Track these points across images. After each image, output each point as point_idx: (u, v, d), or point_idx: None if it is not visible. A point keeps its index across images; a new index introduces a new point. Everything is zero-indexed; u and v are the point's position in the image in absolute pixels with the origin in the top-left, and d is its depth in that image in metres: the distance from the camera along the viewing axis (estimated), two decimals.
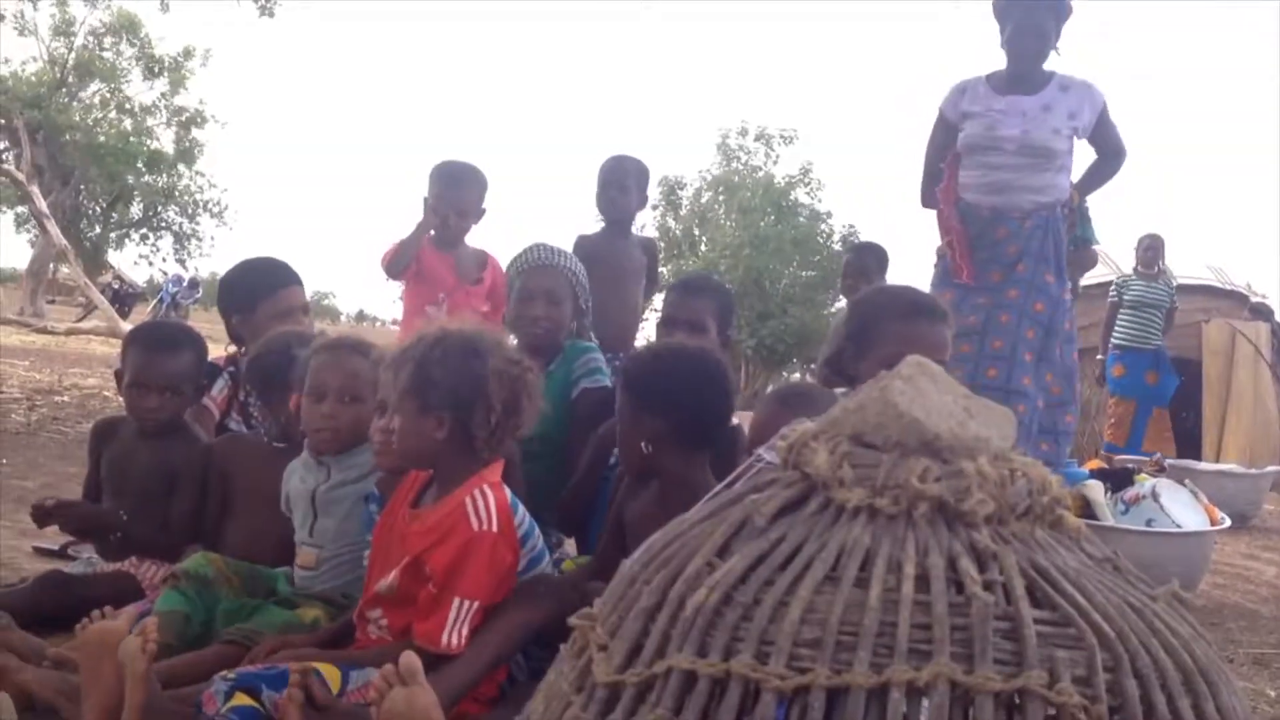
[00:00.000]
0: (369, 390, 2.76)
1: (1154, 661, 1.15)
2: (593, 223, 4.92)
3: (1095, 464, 6.46)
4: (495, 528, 2.37)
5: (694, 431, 2.67)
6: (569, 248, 3.98)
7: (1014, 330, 4.44)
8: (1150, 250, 9.58)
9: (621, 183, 4.83)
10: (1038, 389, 4.44)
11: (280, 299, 3.80)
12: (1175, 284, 9.87)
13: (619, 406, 2.77)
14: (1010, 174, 4.55)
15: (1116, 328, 9.51)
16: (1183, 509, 4.99)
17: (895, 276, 6.16)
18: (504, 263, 4.65)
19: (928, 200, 4.83)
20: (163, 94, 29.25)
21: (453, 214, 4.57)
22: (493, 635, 2.35)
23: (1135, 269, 9.65)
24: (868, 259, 6.07)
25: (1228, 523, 5.21)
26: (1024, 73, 4.60)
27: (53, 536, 3.76)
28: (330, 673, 2.24)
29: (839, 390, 2.79)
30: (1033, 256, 4.51)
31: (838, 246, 25.21)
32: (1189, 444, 10.71)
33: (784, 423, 2.38)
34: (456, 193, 4.59)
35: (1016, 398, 4.29)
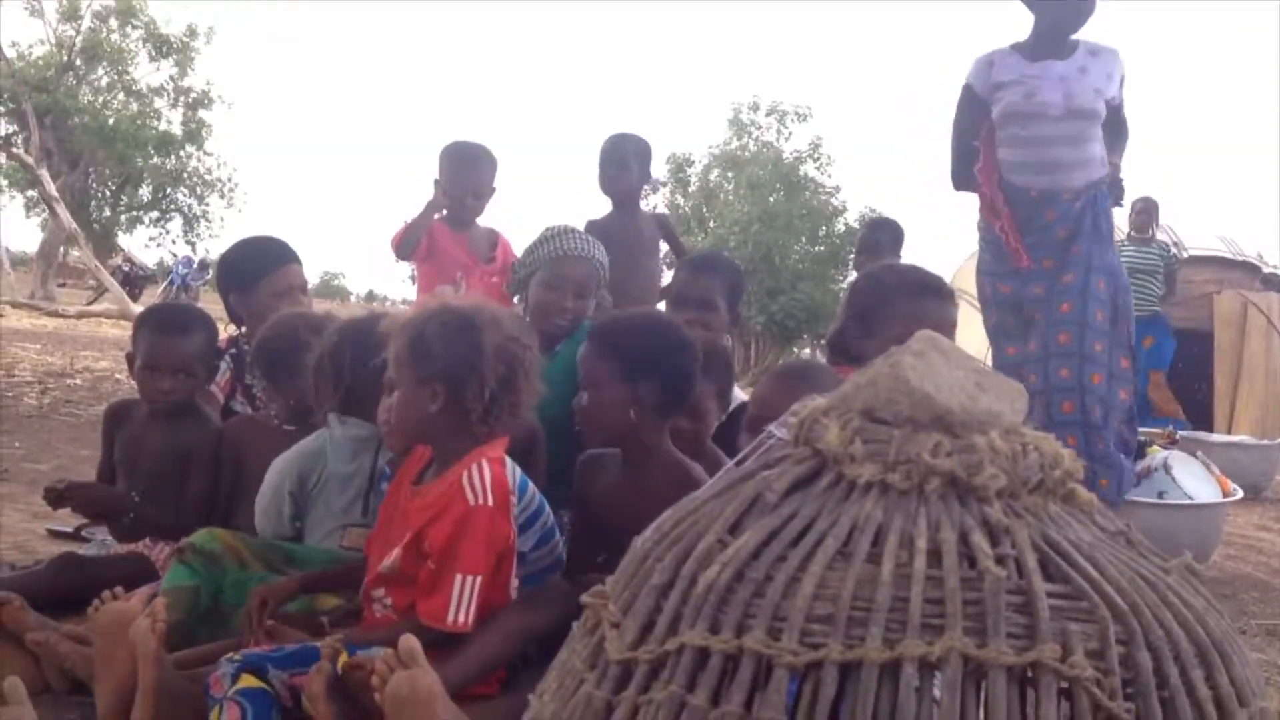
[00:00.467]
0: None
1: (1167, 634, 1.15)
2: (602, 204, 4.94)
3: None
4: (490, 501, 2.36)
5: (673, 396, 2.68)
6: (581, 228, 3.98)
7: (1079, 319, 4.29)
8: (1143, 214, 9.42)
9: (622, 160, 4.84)
10: (1112, 380, 4.30)
11: (279, 277, 3.81)
12: (1173, 249, 9.71)
13: (593, 377, 2.71)
14: (1059, 149, 4.38)
15: None
16: (1195, 481, 4.99)
17: (908, 255, 6.12)
18: (512, 241, 4.69)
19: (962, 182, 4.66)
20: (171, 76, 29.22)
21: (469, 195, 4.59)
22: (493, 636, 2.33)
23: (1128, 234, 9.43)
24: (881, 235, 6.03)
25: (1240, 494, 5.21)
26: (1060, 36, 4.43)
27: (66, 519, 3.78)
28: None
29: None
30: (1085, 236, 4.35)
31: (851, 223, 25.15)
32: (1201, 415, 10.68)
33: (785, 398, 2.41)
34: (472, 173, 4.62)
35: (1091, 398, 4.21)
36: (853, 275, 24.67)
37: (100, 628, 2.24)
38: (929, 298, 2.95)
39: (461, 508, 2.35)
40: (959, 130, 4.65)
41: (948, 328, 2.88)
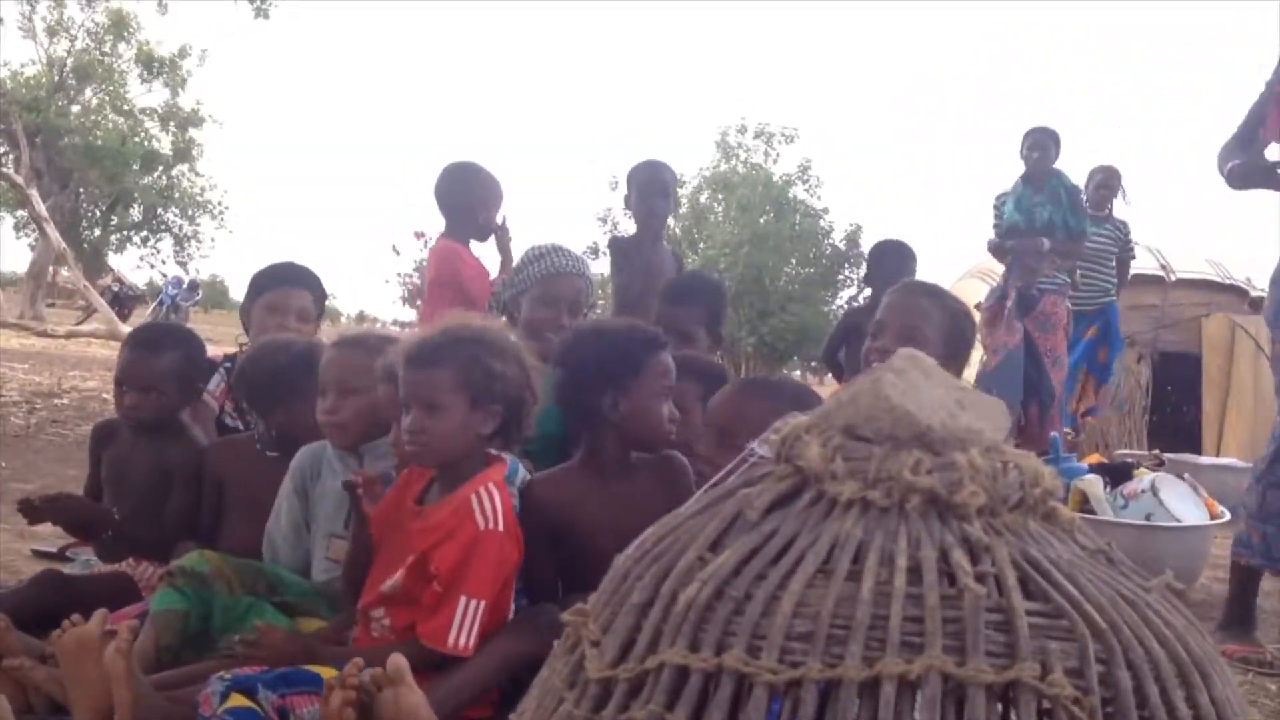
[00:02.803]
0: (364, 381, 2.78)
1: (1147, 653, 1.15)
2: (593, 221, 4.98)
3: (1095, 459, 6.46)
4: (500, 526, 2.37)
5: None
6: (571, 244, 4.00)
7: None
8: (1103, 188, 7.88)
9: (664, 189, 4.79)
10: None
11: (275, 295, 3.86)
12: (1130, 230, 8.12)
13: (569, 392, 2.75)
14: None
15: None
16: (1182, 503, 4.99)
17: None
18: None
19: (1248, 177, 4.02)
20: (164, 101, 29.26)
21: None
22: (486, 661, 2.33)
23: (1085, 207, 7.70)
24: (889, 259, 5.80)
25: (1228, 517, 5.21)
26: None
27: (51, 538, 3.77)
28: (326, 671, 2.24)
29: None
30: None
31: (838, 244, 25.22)
32: (1189, 439, 10.70)
33: (745, 410, 2.42)
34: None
35: None
36: (842, 297, 24.76)
37: (64, 654, 2.23)
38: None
39: (471, 531, 2.35)
40: (1250, 121, 4.10)
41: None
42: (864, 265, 6.13)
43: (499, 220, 4.71)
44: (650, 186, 4.78)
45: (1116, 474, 5.32)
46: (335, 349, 2.91)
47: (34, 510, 3.15)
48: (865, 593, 1.13)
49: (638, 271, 4.31)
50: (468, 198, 4.64)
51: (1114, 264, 7.94)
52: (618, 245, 4.78)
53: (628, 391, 2.67)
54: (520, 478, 2.77)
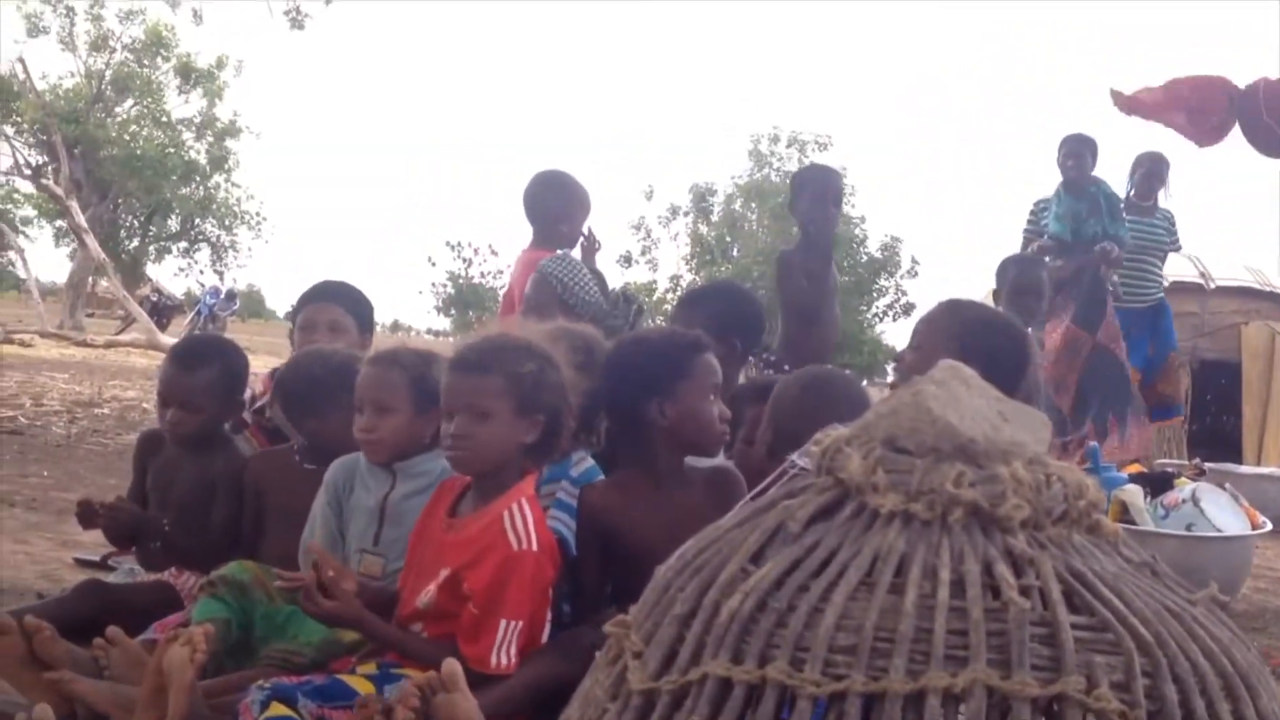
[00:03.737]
0: (401, 399, 2.78)
1: (1193, 666, 1.14)
2: (625, 229, 4.93)
3: (1135, 468, 6.40)
4: (535, 545, 2.37)
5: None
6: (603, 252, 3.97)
7: None
8: (1150, 177, 7.26)
9: (837, 197, 4.63)
10: None
11: (308, 312, 3.89)
12: (1175, 221, 7.48)
13: (615, 403, 2.78)
14: None
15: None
16: (1223, 513, 4.94)
17: (935, 279, 6.04)
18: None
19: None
20: (199, 110, 29.54)
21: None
22: (521, 680, 2.33)
23: (1127, 198, 7.25)
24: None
25: (1269, 526, 5.16)
26: None
27: (93, 547, 3.80)
28: (364, 686, 2.25)
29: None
30: None
31: (876, 253, 25.15)
32: (1229, 448, 10.60)
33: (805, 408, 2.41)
34: None
35: None
36: (878, 303, 24.61)
37: (116, 668, 2.25)
38: None
39: (505, 551, 2.35)
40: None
41: None
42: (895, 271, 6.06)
43: (585, 230, 4.68)
44: (823, 193, 4.58)
45: (1157, 484, 5.28)
46: (371, 365, 2.90)
47: (92, 514, 3.17)
48: (909, 605, 1.13)
49: (812, 282, 4.14)
50: (554, 207, 4.64)
51: (1163, 258, 7.51)
52: (786, 259, 4.58)
53: (675, 396, 2.67)
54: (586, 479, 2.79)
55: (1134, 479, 5.35)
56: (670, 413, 2.67)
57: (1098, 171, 6.81)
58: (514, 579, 2.34)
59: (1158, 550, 1.38)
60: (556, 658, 2.38)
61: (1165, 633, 1.15)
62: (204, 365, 3.30)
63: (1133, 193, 7.25)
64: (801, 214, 4.62)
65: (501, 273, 23.63)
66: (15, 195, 29.81)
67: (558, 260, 3.97)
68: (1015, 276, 5.70)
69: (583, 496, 2.76)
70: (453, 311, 26.67)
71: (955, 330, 2.89)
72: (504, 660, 2.30)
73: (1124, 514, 4.80)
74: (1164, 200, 7.47)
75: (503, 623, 2.31)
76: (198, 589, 2.88)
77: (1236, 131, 4.55)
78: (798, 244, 4.73)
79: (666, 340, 2.80)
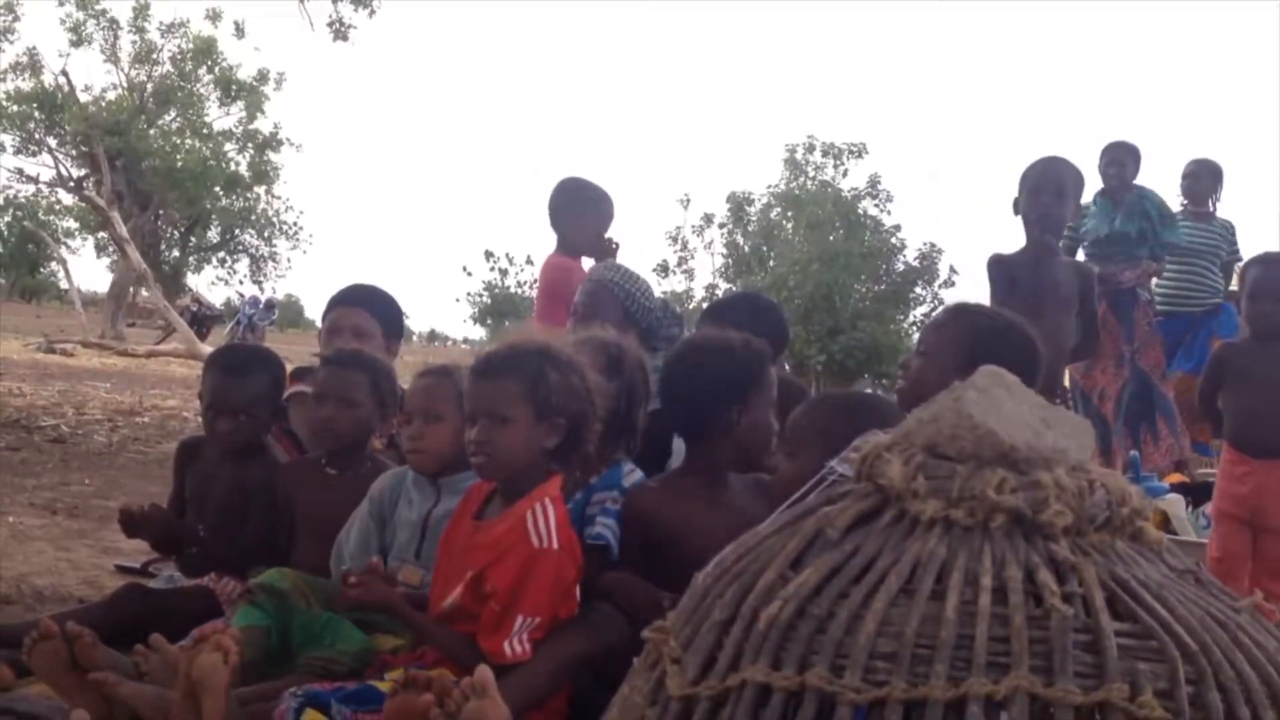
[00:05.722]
0: (451, 409, 2.79)
1: (1238, 674, 1.13)
2: (662, 239, 4.91)
3: (1176, 478, 6.32)
4: (556, 544, 2.38)
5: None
6: (640, 263, 3.98)
7: None
8: (1199, 182, 6.95)
9: (1060, 189, 4.14)
10: None
11: (333, 316, 3.93)
12: (1235, 232, 7.01)
13: (686, 405, 2.78)
14: None
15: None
16: None
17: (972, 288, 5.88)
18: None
19: None
20: (239, 120, 29.80)
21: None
22: (542, 663, 2.33)
23: (1183, 206, 6.94)
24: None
25: None
26: None
27: (134, 554, 3.83)
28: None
29: None
30: None
31: (913, 262, 25.04)
32: None
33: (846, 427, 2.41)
34: None
35: None
36: (915, 313, 24.53)
37: (155, 674, 2.27)
38: None
39: (526, 550, 2.36)
40: None
41: None
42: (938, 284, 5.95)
43: (609, 237, 4.70)
44: (1043, 182, 4.15)
45: (1198, 494, 5.22)
46: (422, 376, 2.93)
47: (133, 521, 3.19)
48: (950, 612, 1.12)
49: (1025, 291, 3.79)
50: (579, 214, 4.67)
51: (1219, 264, 7.01)
52: (1000, 263, 4.16)
53: (749, 404, 2.69)
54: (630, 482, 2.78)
55: (1175, 489, 5.29)
56: (744, 420, 2.69)
57: (1140, 180, 6.72)
58: (534, 576, 2.35)
59: (1200, 560, 1.37)
60: (573, 635, 2.39)
61: (1210, 640, 1.14)
62: (254, 374, 3.33)
63: (1184, 200, 6.99)
64: (1020, 211, 4.23)
65: (537, 281, 23.69)
66: (57, 207, 30.18)
67: (614, 268, 3.95)
68: None
69: (631, 500, 2.75)
70: (489, 321, 26.80)
71: (963, 336, 2.87)
72: (517, 649, 2.31)
73: (1165, 524, 4.75)
74: (1215, 208, 7.16)
75: (520, 618, 2.32)
76: (237, 596, 2.89)
77: None
78: (1020, 248, 4.28)
79: (744, 348, 2.80)
